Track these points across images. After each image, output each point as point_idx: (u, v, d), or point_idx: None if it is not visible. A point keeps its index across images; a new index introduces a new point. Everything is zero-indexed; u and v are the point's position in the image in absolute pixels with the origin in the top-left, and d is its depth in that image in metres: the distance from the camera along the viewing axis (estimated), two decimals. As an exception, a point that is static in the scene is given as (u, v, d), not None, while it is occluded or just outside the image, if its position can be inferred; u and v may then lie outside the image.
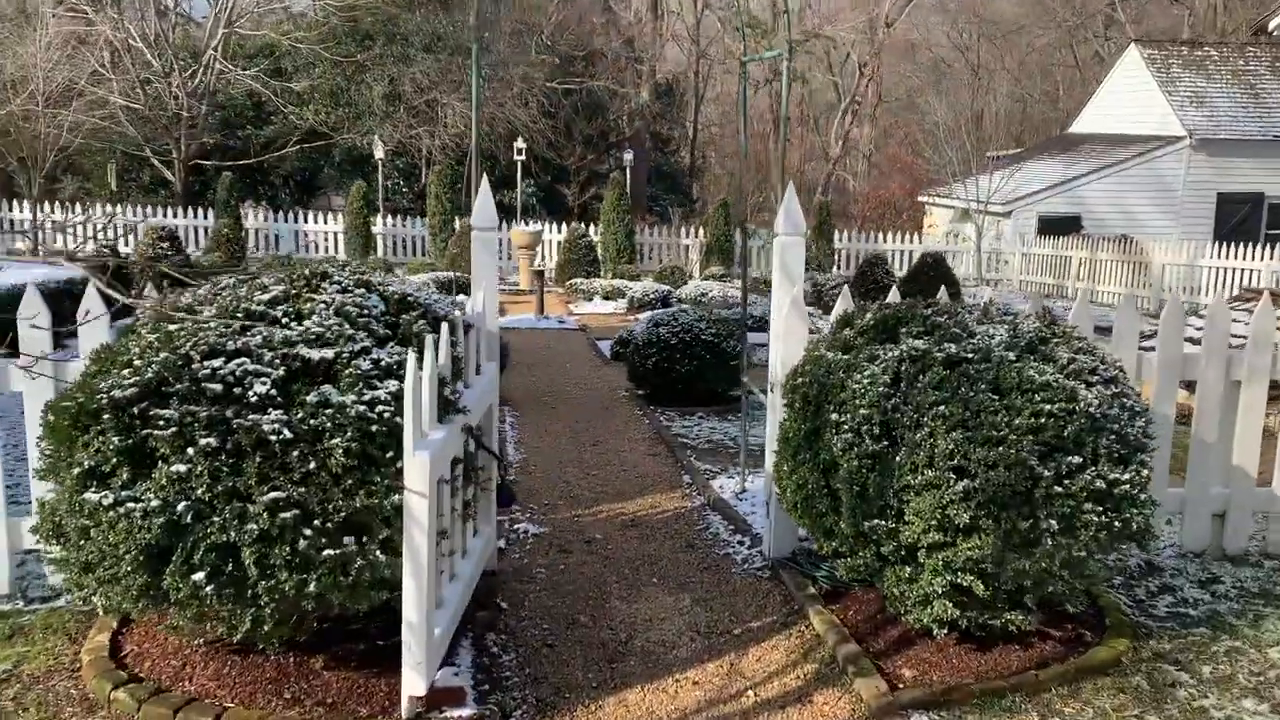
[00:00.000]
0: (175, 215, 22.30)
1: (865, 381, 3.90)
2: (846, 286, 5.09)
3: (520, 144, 23.57)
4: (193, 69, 25.54)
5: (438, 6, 27.83)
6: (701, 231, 22.58)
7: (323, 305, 3.54)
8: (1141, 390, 4.59)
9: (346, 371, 3.36)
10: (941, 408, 3.71)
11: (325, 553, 3.18)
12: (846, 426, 3.87)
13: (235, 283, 3.77)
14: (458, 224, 19.87)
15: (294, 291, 3.64)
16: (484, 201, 4.54)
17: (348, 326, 3.48)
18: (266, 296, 3.59)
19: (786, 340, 4.70)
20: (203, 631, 3.59)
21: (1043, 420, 3.65)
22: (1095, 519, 3.64)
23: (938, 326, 4.08)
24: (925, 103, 34.95)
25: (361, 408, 3.29)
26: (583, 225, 21.18)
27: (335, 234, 22.03)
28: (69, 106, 21.78)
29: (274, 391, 3.27)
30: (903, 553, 3.79)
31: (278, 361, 3.34)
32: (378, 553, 3.29)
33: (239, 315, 3.48)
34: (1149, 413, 4.05)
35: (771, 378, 4.91)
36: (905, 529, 3.74)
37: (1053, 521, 3.61)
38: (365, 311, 3.58)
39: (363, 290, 3.69)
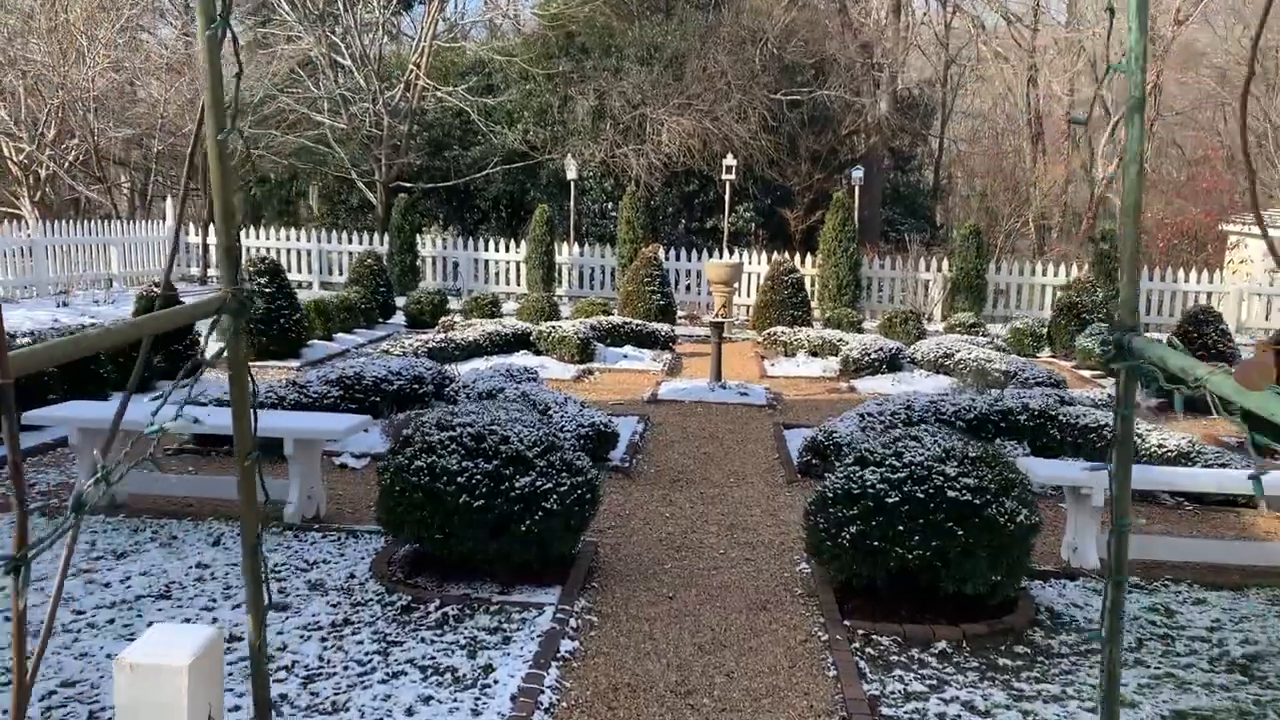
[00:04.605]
0: (368, 240, 20.16)
1: None
2: None
3: (730, 161, 20.13)
4: (396, 87, 23.75)
5: (663, 16, 25.08)
6: (945, 264, 18.32)
7: None
8: None
9: None
10: None
11: None
12: None
13: None
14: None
15: None
16: None
17: None
18: None
19: None
20: None
21: None
22: None
23: None
24: (1220, 114, 28.80)
25: None
26: (788, 257, 17.37)
27: (516, 263, 19.40)
28: (245, 120, 20.20)
29: None
30: None
31: None
32: None
33: None
34: None
35: None
36: None
37: None
38: None
39: None
